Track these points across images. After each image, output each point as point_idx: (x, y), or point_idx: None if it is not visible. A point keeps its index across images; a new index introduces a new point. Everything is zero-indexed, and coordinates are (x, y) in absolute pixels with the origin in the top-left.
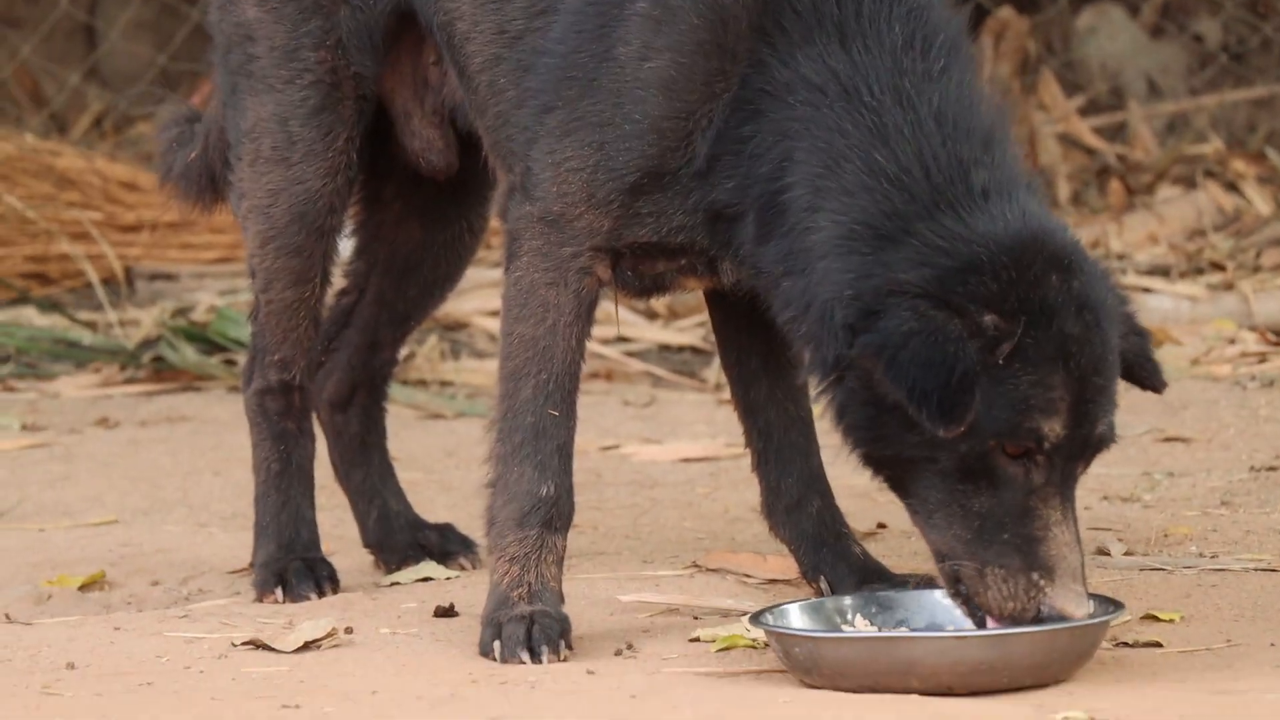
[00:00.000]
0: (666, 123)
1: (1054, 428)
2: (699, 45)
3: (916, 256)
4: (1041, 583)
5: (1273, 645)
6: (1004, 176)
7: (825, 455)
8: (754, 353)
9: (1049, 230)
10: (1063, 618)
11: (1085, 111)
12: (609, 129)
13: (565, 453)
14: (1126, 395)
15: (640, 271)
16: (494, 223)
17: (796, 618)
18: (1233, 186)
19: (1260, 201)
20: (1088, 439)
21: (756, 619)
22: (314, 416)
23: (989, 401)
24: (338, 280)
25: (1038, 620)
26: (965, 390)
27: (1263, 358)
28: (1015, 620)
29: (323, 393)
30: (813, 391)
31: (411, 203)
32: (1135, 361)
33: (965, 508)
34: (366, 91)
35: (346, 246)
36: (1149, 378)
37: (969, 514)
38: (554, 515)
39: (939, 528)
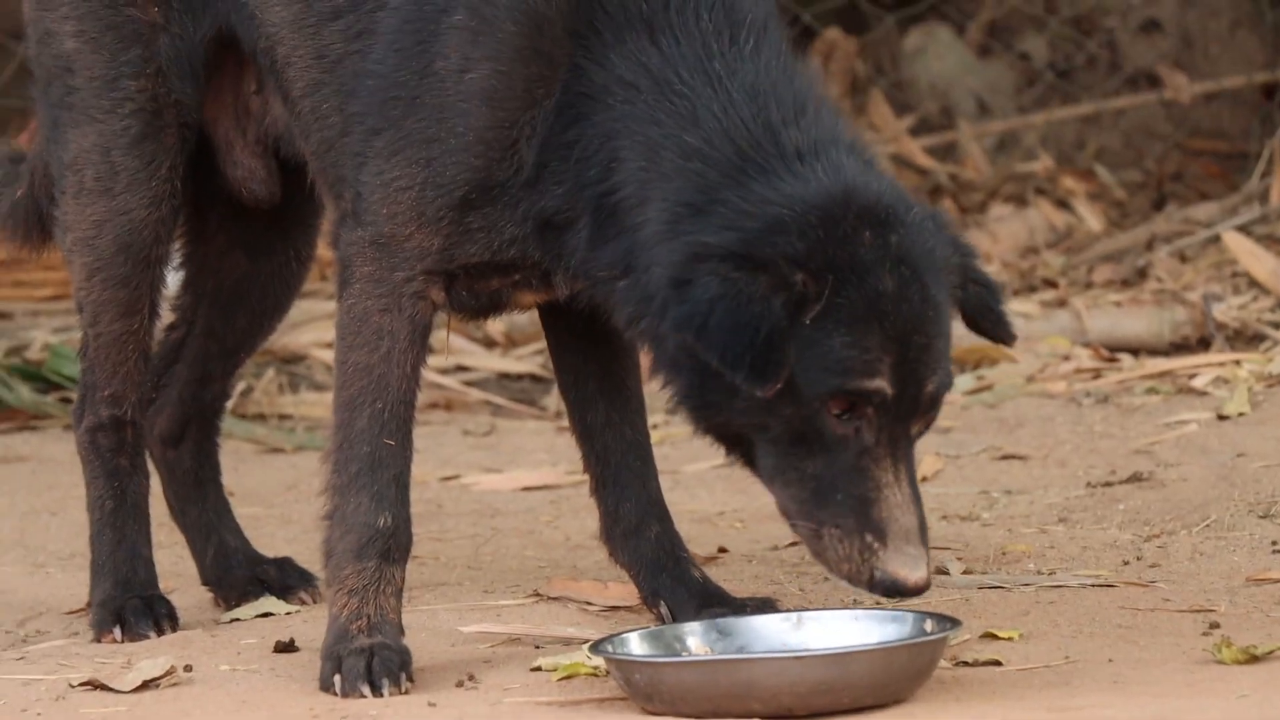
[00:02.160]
0: (491, 133)
1: (879, 386)
2: (517, 52)
3: (722, 223)
4: (875, 545)
5: (1110, 661)
6: (819, 136)
7: (664, 481)
8: (590, 376)
9: (863, 185)
10: (896, 583)
11: (916, 131)
12: (435, 144)
13: (402, 482)
14: (963, 415)
15: (475, 290)
16: (328, 253)
17: (636, 645)
18: (1064, 203)
19: (1091, 218)
20: (916, 398)
21: (597, 647)
22: (147, 453)
23: (805, 364)
24: (166, 315)
25: (872, 584)
26: (774, 348)
27: (1096, 374)
28: (854, 582)
29: (154, 429)
30: (659, 385)
31: (236, 233)
32: (979, 313)
33: (800, 470)
34: (188, 119)
35: (174, 281)
36: (994, 328)
37: (804, 476)
38: (392, 546)
39: (779, 492)
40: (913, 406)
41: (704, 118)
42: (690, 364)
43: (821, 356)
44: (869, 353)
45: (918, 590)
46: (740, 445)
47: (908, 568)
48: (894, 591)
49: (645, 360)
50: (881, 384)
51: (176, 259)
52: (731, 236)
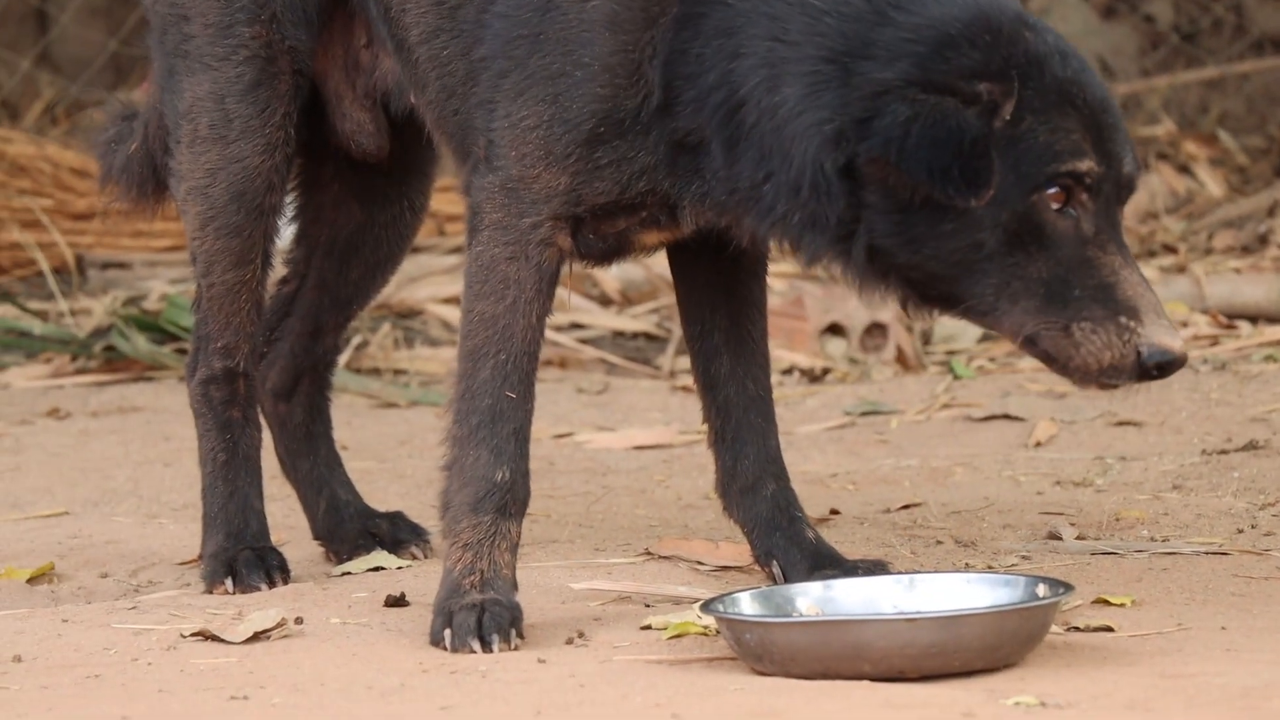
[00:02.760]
0: (615, 58)
1: (1089, 165)
2: None
3: (886, 55)
4: (1131, 324)
5: (1223, 629)
6: None
7: (780, 441)
8: (717, 328)
9: (1001, 1)
10: (1165, 353)
11: None
12: (561, 79)
13: (522, 436)
14: None
15: (602, 233)
16: (444, 207)
17: (747, 605)
18: (1185, 169)
19: (1212, 184)
20: (1119, 178)
21: (707, 606)
22: (259, 406)
23: (1014, 163)
24: (278, 269)
25: (1140, 362)
26: (980, 154)
27: (1214, 341)
28: (1116, 370)
29: (266, 383)
30: (826, 269)
31: (350, 183)
32: None
33: (1025, 279)
34: (302, 66)
35: (287, 234)
36: None
37: (1031, 283)
38: (509, 501)
39: (1006, 311)
40: (1117, 187)
41: None
42: (885, 204)
43: (1027, 150)
44: (1072, 133)
45: (1183, 360)
46: (942, 284)
47: (1169, 336)
48: (1163, 365)
49: (802, 258)
50: (1091, 163)
51: (290, 210)
52: (904, 64)
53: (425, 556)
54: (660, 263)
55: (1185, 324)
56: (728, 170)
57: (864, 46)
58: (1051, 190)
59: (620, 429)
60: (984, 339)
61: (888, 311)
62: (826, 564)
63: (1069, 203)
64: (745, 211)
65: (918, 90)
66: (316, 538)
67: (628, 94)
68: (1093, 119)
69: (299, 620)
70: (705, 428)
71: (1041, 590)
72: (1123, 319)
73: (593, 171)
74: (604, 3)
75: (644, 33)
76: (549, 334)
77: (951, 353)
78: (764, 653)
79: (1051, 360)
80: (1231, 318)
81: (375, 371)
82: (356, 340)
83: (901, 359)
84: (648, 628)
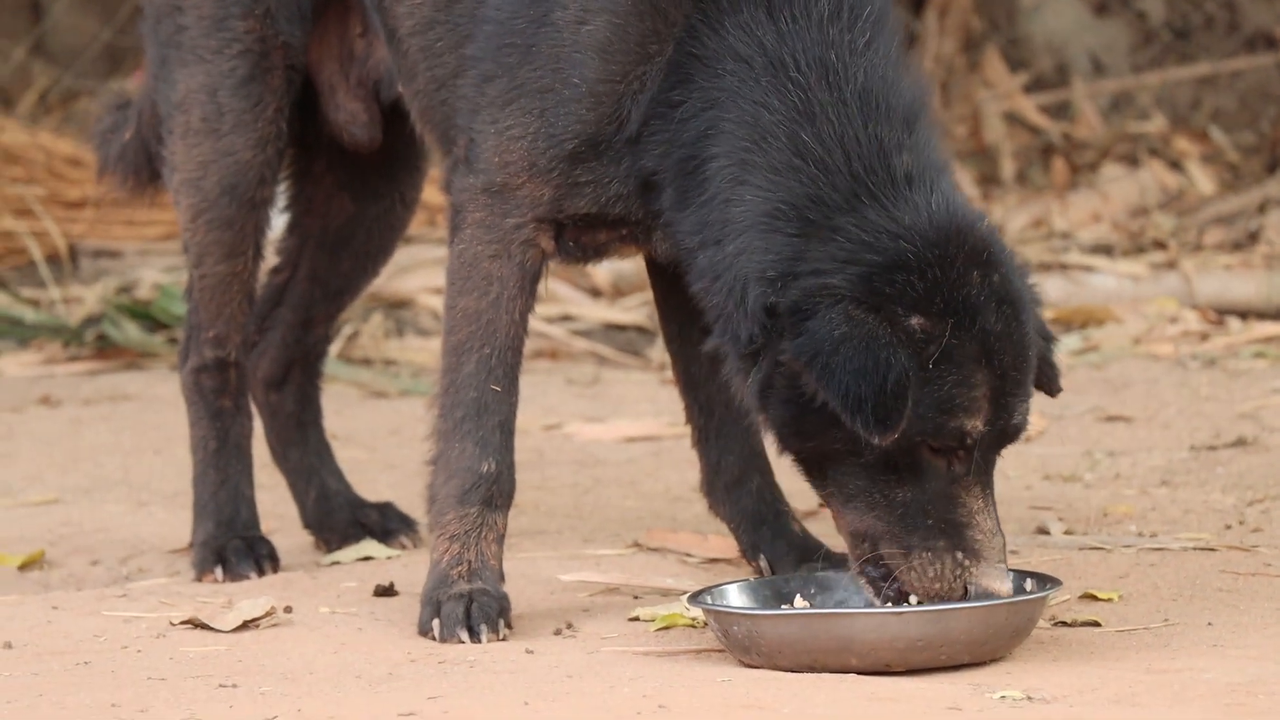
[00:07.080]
0: (602, 86)
1: (976, 425)
2: (633, 6)
3: (842, 254)
4: (967, 563)
5: (1210, 624)
6: (925, 160)
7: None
8: (696, 328)
9: (970, 223)
10: (990, 594)
11: (1029, 89)
12: (549, 95)
13: (507, 429)
14: (1069, 375)
15: (583, 242)
16: (435, 198)
17: (735, 597)
18: (1176, 165)
19: (1203, 180)
20: (1004, 430)
21: (695, 598)
22: (250, 395)
23: (915, 402)
24: (270, 258)
25: (965, 598)
26: (899, 396)
27: (1204, 337)
28: (942, 597)
29: (257, 372)
30: (725, 365)
31: (343, 176)
32: (1039, 361)
33: (888, 496)
34: (295, 61)
35: (278, 223)
36: (1046, 381)
37: (892, 502)
38: (495, 492)
39: (859, 511)
40: (1000, 438)
41: (819, 117)
42: (788, 393)
43: (932, 395)
44: (975, 389)
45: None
46: (822, 467)
47: (998, 581)
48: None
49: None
50: (978, 423)
51: (282, 201)
52: (854, 273)
53: (414, 546)
54: None
55: (1175, 320)
56: (673, 215)
57: (827, 225)
58: (938, 438)
59: (610, 420)
60: None
61: None
62: (813, 556)
63: (948, 448)
64: (684, 263)
65: (858, 307)
66: (306, 526)
67: (607, 121)
68: (1001, 376)
69: (288, 609)
70: (689, 427)
71: (1029, 585)
72: (961, 555)
73: (573, 187)
74: (599, 29)
75: (634, 67)
76: (539, 325)
77: None
78: (751, 645)
79: (866, 568)
80: (1221, 314)
81: (366, 361)
82: (348, 330)
83: None
84: (635, 619)
